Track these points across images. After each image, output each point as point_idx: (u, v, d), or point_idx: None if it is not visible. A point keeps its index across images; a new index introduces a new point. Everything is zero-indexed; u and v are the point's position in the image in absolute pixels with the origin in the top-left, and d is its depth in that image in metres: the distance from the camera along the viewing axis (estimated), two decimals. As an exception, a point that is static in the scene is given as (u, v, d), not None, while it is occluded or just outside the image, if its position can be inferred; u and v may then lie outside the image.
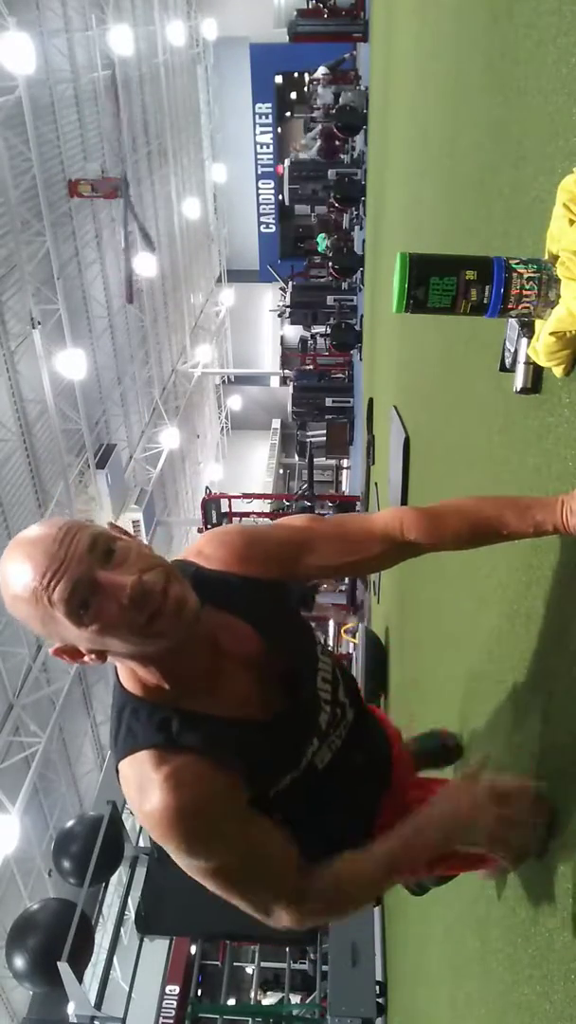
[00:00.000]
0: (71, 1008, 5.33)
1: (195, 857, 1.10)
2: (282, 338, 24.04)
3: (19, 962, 5.26)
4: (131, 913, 5.95)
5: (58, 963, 4.95)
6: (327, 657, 1.36)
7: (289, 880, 1.17)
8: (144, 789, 1.07)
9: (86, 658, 1.05)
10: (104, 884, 6.07)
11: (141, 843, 6.18)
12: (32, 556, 0.97)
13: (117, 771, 1.13)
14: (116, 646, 1.04)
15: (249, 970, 8.83)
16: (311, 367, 19.71)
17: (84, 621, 0.99)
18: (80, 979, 5.15)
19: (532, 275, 1.30)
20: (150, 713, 1.10)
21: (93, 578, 0.98)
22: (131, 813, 6.44)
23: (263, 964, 8.46)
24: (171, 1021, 6.19)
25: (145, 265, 14.57)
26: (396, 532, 1.29)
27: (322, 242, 18.16)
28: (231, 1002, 7.66)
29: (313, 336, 20.36)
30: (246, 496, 16.49)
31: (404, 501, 4.64)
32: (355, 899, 1.25)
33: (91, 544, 0.99)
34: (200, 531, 14.86)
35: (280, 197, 21.23)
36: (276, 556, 1.25)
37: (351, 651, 8.97)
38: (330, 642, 13.32)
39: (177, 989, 6.37)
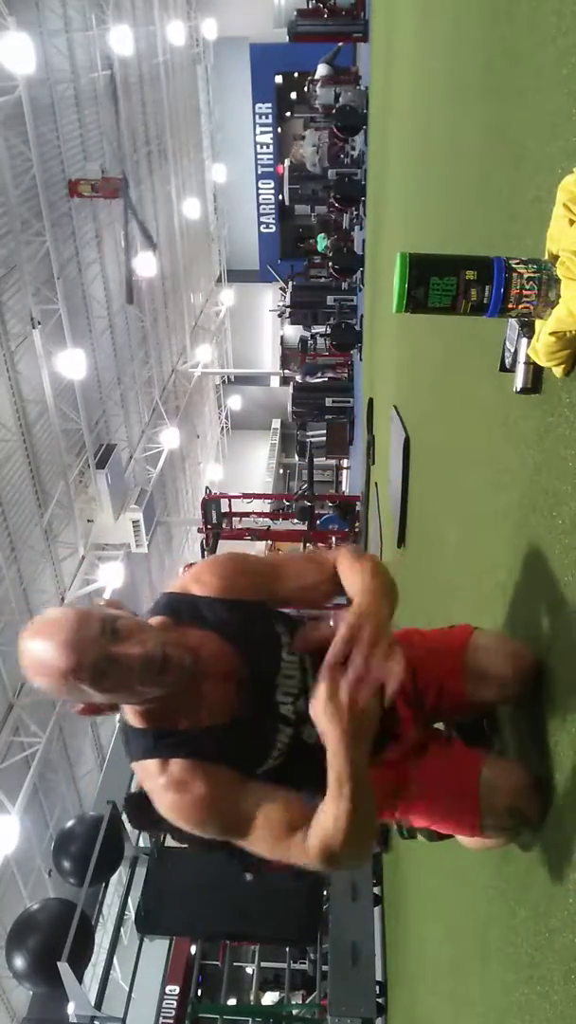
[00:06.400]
0: (71, 1008, 5.33)
1: (211, 832, 1.39)
2: (282, 338, 24.02)
3: (19, 962, 5.26)
4: (131, 913, 5.95)
5: (58, 963, 4.95)
6: (294, 657, 1.54)
7: (288, 828, 1.36)
8: (155, 792, 1.40)
9: (104, 711, 1.38)
10: (104, 884, 6.07)
11: (141, 843, 6.18)
12: (57, 645, 1.25)
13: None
14: (128, 699, 1.37)
15: (249, 970, 8.80)
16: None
17: (105, 687, 1.30)
18: (80, 979, 5.15)
19: (532, 275, 1.30)
20: (143, 737, 1.42)
21: (108, 655, 1.28)
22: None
23: (263, 964, 8.43)
24: (171, 1021, 6.18)
25: (145, 265, 14.55)
26: (332, 562, 1.57)
27: (321, 242, 18.14)
28: (231, 1002, 7.66)
29: (313, 336, 20.33)
30: (246, 496, 16.45)
31: (404, 501, 4.64)
32: (340, 827, 1.31)
33: (101, 628, 1.29)
34: (200, 531, 14.86)
35: (280, 197, 21.22)
36: (258, 581, 1.54)
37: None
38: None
39: (177, 989, 6.35)
